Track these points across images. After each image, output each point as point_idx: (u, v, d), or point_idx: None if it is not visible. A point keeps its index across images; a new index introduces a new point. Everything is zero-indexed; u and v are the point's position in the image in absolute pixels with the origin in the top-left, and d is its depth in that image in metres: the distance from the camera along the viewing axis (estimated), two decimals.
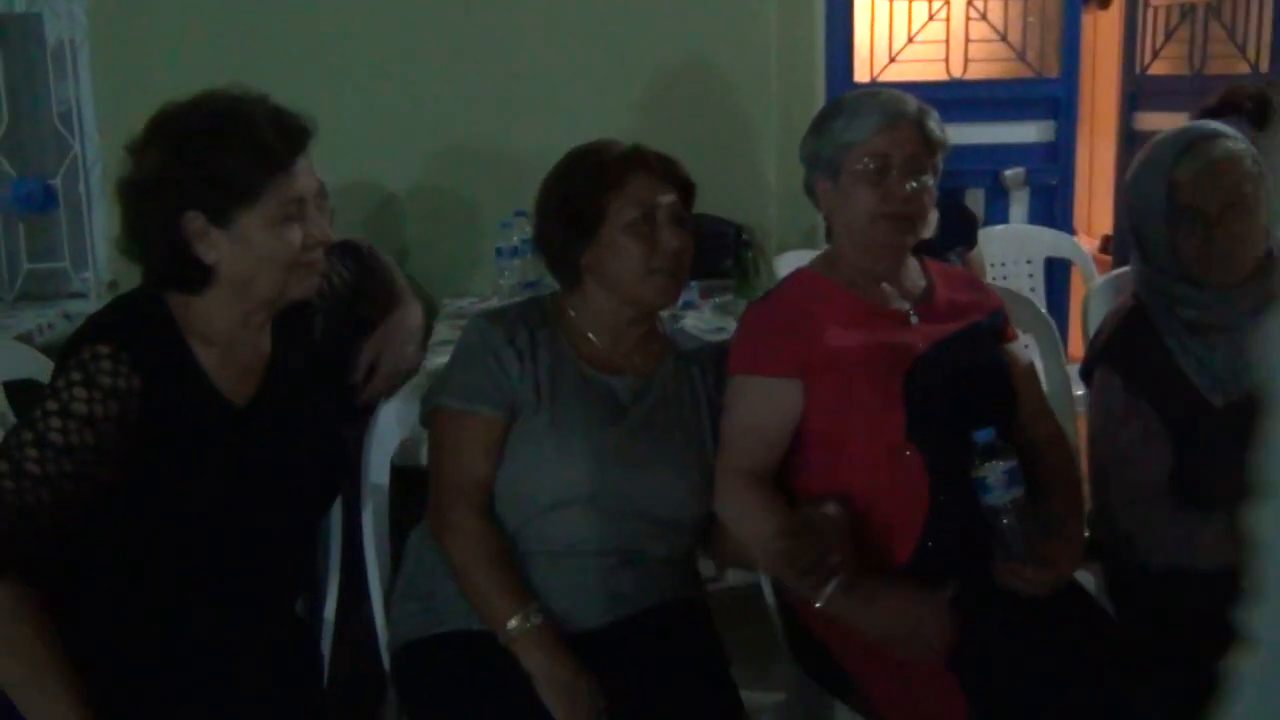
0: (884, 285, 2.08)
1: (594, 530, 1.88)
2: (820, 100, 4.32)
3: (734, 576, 3.35)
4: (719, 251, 3.58)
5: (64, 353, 1.70)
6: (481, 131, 3.77)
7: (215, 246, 1.69)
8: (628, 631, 1.88)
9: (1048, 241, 4.20)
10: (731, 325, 3.04)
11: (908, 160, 2.00)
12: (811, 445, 2.00)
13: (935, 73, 4.43)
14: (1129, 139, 5.17)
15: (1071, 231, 4.58)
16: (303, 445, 1.84)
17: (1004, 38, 4.49)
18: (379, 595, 2.04)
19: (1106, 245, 6.67)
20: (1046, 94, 4.52)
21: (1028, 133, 4.52)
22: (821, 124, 2.08)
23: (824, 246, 4.20)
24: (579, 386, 1.94)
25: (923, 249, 4.24)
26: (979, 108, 4.40)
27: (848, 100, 2.08)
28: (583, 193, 1.95)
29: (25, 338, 3.20)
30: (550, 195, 2.01)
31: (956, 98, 4.28)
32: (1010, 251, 4.22)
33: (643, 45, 3.79)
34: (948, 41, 4.44)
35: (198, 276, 1.72)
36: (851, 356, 1.99)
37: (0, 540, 1.58)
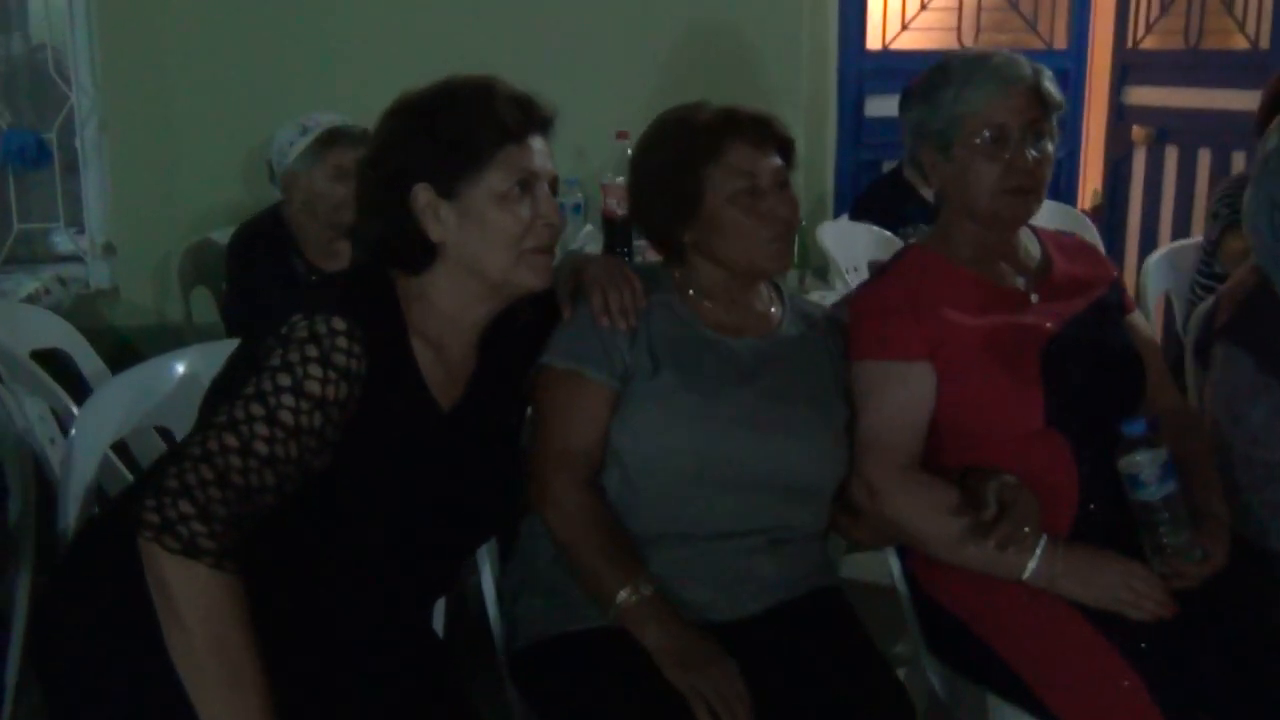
0: (1000, 261, 1.99)
1: (733, 509, 1.78)
2: (833, 66, 4.23)
3: None
4: None
5: (284, 318, 1.57)
6: None
7: (443, 222, 1.63)
8: (778, 622, 1.78)
9: (1053, 213, 4.16)
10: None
11: (1027, 127, 1.91)
12: (943, 431, 1.91)
13: (947, 41, 4.37)
14: (1119, 114, 5.16)
15: (1075, 204, 4.56)
16: (496, 460, 1.76)
17: (1015, 6, 4.43)
18: (492, 591, 1.92)
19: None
20: (1055, 66, 4.45)
21: None
22: (928, 93, 1.97)
23: (831, 218, 4.15)
24: (701, 349, 1.85)
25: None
26: None
27: (955, 66, 1.97)
28: (677, 167, 1.83)
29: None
30: (641, 171, 1.91)
31: None
32: None
33: (673, 5, 3.66)
34: (960, 9, 4.37)
35: (423, 255, 1.65)
36: (980, 339, 1.90)
37: (224, 524, 1.43)
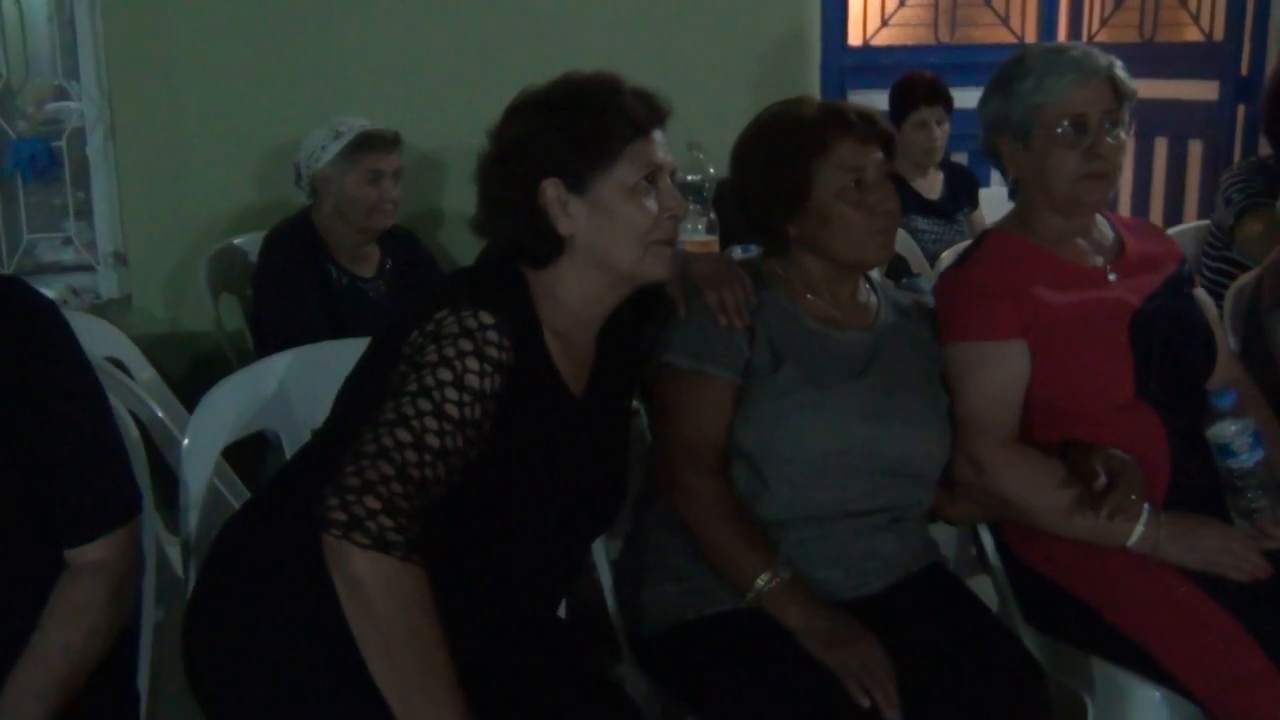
0: (1079, 241, 2.08)
1: (857, 490, 1.83)
2: (815, 63, 4.30)
3: None
4: None
5: (423, 313, 1.58)
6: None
7: (572, 216, 1.65)
8: (898, 598, 1.84)
9: None
10: None
11: (1104, 116, 1.99)
12: (1035, 407, 1.98)
13: (924, 36, 4.47)
14: None
15: None
16: (619, 447, 1.80)
17: (988, 2, 4.55)
18: (609, 579, 1.96)
19: None
20: None
21: None
22: (1006, 85, 2.05)
23: None
24: (813, 343, 1.89)
25: (932, 212, 4.29)
26: (966, 72, 4.45)
27: (1033, 59, 2.05)
28: (785, 162, 1.88)
29: None
30: (748, 165, 1.95)
31: (944, 61, 4.33)
32: (995, 212, 4.31)
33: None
34: (936, 5, 4.48)
35: (551, 249, 1.67)
36: (1069, 316, 1.98)
37: (408, 517, 1.44)
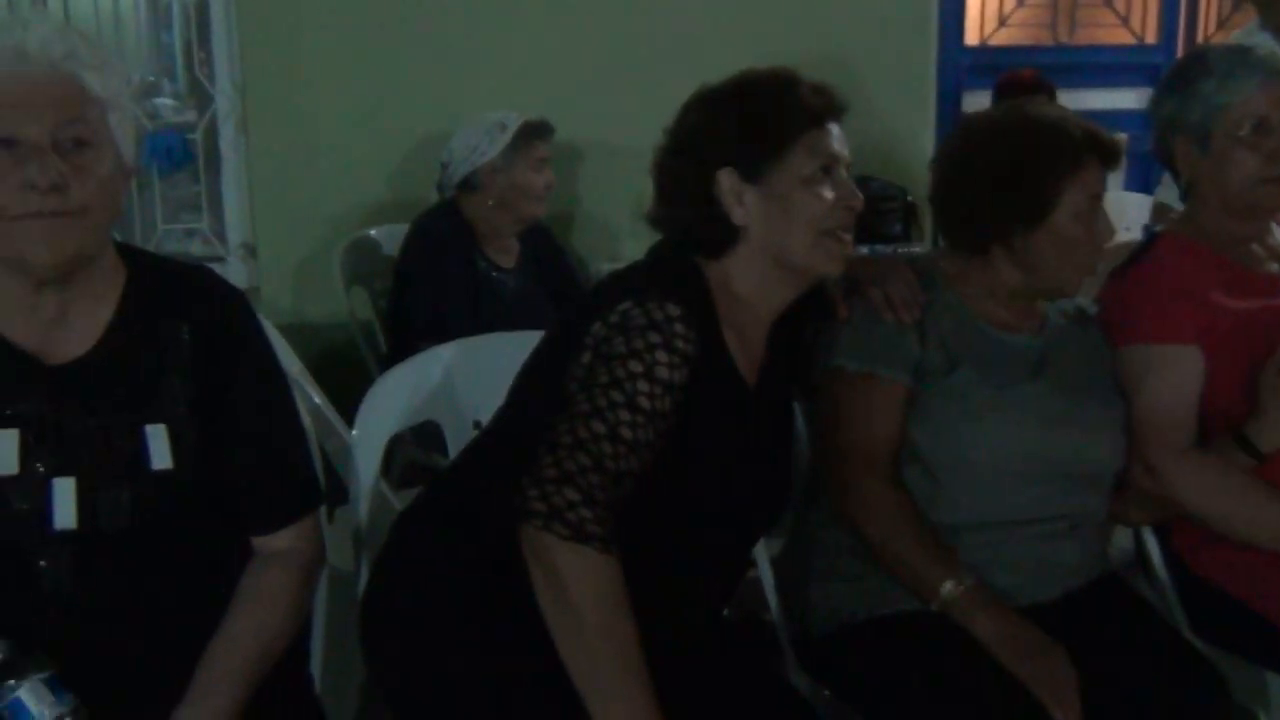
0: (1253, 247, 2.03)
1: (1036, 496, 1.79)
2: (932, 63, 4.26)
3: None
4: (888, 215, 3.51)
5: (605, 304, 1.59)
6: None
7: (746, 206, 1.65)
8: (1074, 607, 1.80)
9: (1146, 208, 4.20)
10: None
11: None
12: (1209, 415, 1.94)
13: (1041, 37, 4.41)
14: None
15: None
16: (787, 444, 1.80)
17: (1109, 2, 4.48)
18: (770, 578, 1.94)
19: None
20: (1146, 61, 4.54)
21: (1127, 99, 4.52)
22: (1185, 84, 2.01)
23: None
24: (987, 345, 1.85)
25: None
26: (1084, 73, 4.39)
27: (1216, 58, 2.01)
28: (1035, 171, 1.79)
29: None
30: (978, 163, 1.86)
31: (1061, 62, 4.27)
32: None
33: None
34: (1055, 5, 4.42)
35: (725, 239, 1.67)
36: (1246, 322, 1.94)
37: (605, 509, 1.45)
